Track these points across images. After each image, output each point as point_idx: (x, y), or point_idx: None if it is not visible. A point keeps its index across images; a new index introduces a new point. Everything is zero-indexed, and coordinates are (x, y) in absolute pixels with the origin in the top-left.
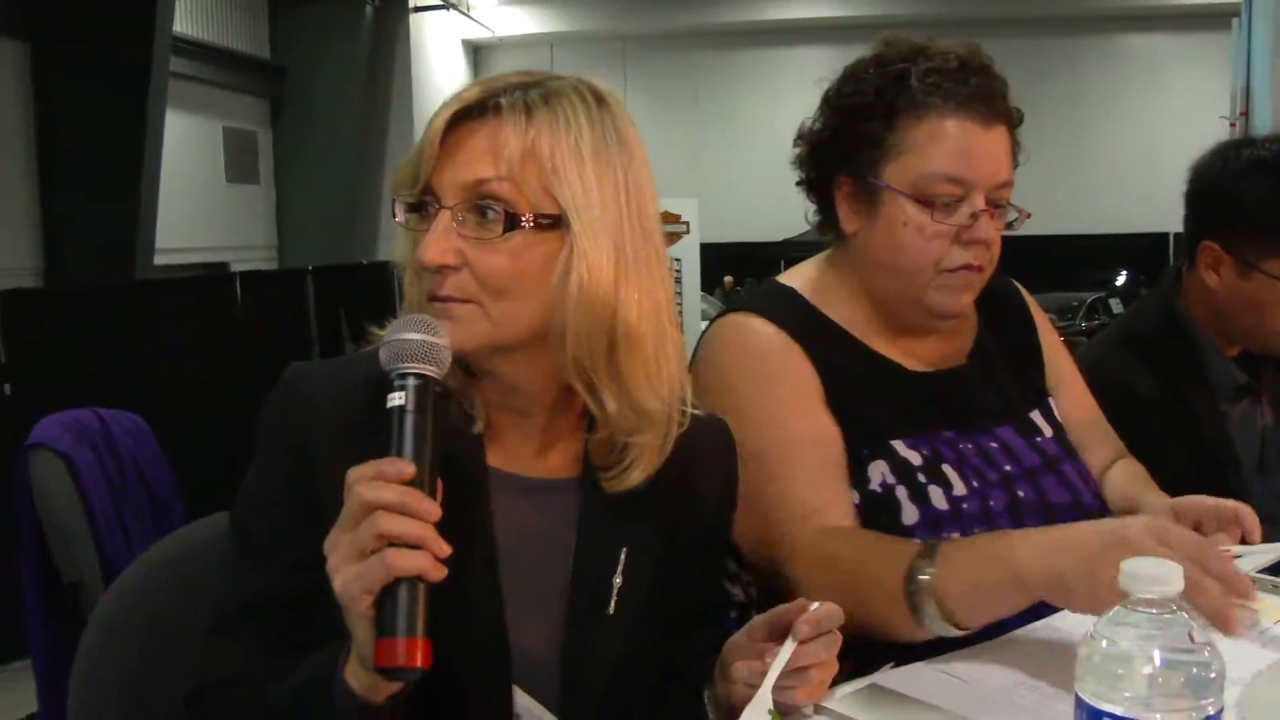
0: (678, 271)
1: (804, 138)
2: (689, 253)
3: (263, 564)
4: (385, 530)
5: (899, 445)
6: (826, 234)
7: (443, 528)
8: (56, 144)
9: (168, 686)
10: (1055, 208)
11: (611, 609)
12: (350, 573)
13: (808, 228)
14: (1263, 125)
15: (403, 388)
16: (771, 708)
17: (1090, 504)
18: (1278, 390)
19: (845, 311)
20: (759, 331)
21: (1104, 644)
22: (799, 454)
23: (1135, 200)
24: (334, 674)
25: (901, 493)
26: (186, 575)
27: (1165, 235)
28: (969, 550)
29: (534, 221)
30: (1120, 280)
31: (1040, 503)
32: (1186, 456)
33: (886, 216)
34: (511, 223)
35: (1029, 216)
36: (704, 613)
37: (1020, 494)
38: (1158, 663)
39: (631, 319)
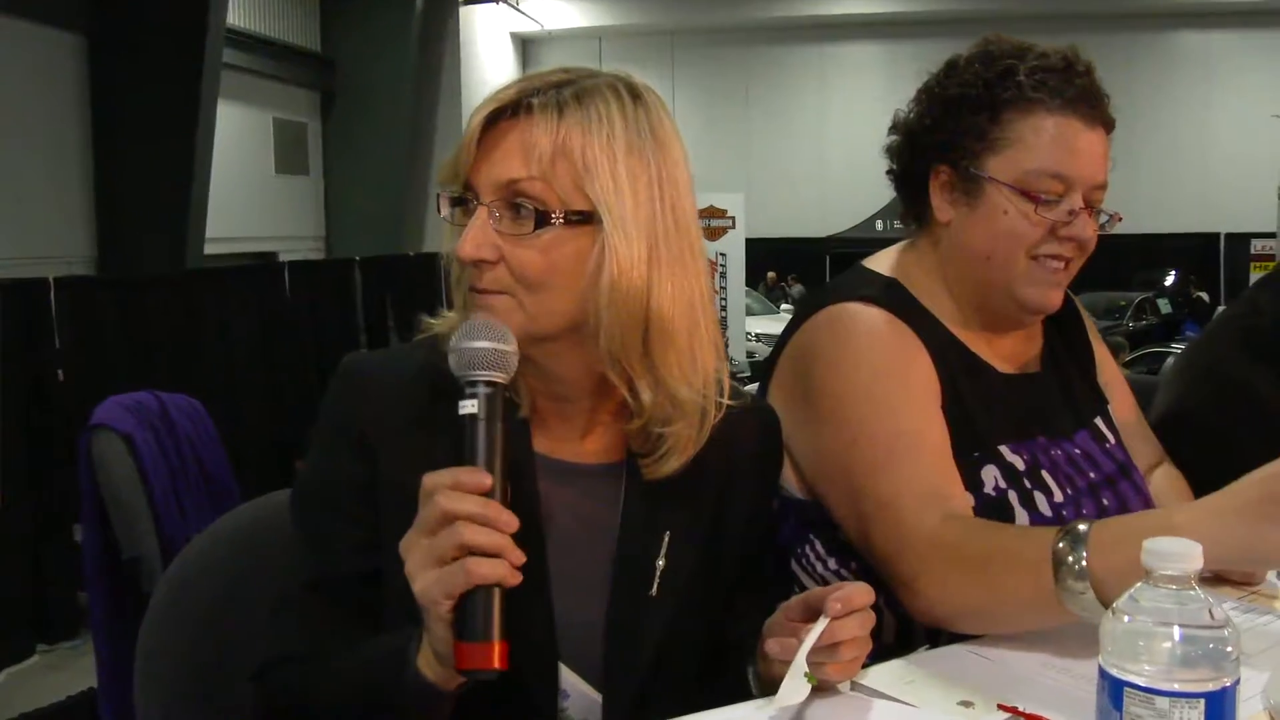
0: (722, 266)
1: (899, 127)
2: (734, 247)
3: (323, 544)
4: (468, 541)
5: (1005, 450)
6: (910, 224)
7: None
8: (111, 135)
9: (230, 658)
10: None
11: (654, 590)
12: (430, 577)
13: (852, 224)
14: None
15: (474, 395)
16: (808, 671)
17: None
18: None
19: (939, 305)
20: (878, 321)
21: (1126, 618)
22: (918, 444)
23: (1186, 200)
24: (405, 660)
25: (1013, 497)
26: (248, 551)
27: (1216, 235)
28: (1121, 526)
29: (564, 218)
30: (1169, 280)
31: (1122, 511)
32: None
33: (987, 206)
34: (542, 219)
35: (1120, 219)
36: (750, 594)
37: (1105, 502)
38: (1177, 637)
39: (665, 312)
